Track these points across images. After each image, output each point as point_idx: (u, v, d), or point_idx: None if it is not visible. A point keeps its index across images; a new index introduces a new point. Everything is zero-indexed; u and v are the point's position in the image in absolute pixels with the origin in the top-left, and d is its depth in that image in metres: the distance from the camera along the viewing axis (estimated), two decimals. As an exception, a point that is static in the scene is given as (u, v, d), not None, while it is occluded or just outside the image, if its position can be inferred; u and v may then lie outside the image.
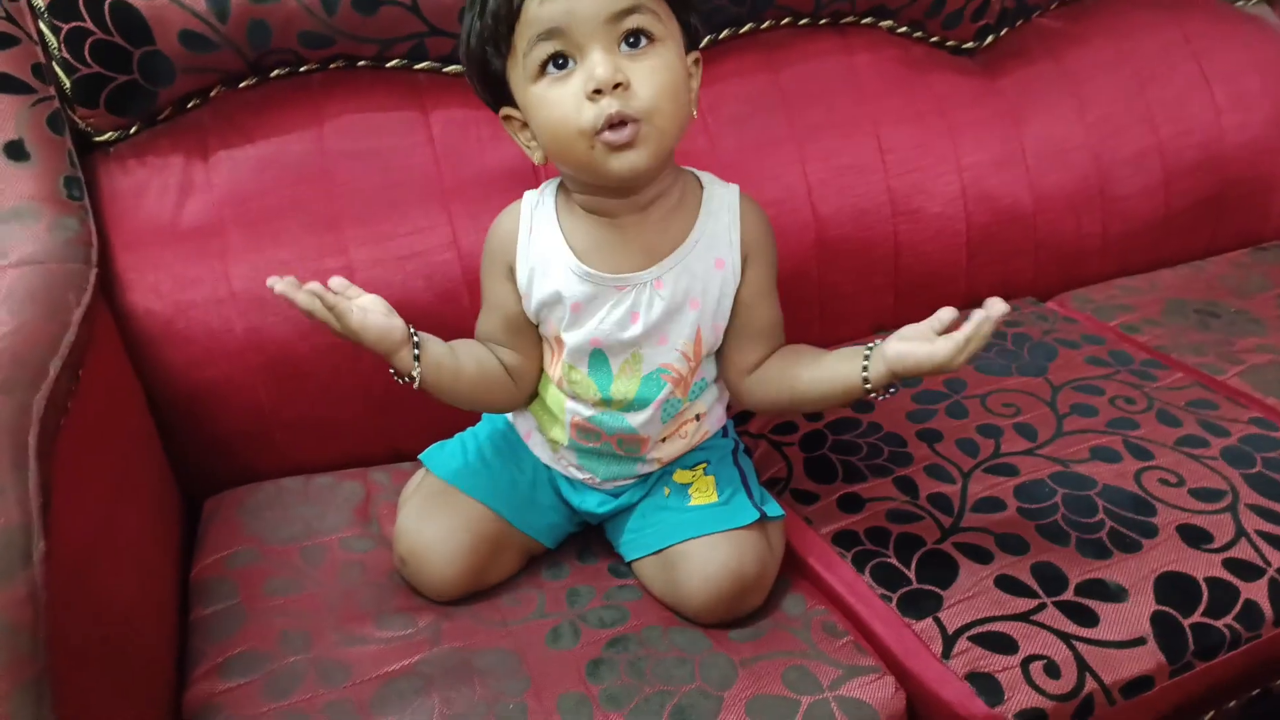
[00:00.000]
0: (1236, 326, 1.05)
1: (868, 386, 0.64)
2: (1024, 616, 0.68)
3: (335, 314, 0.60)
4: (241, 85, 0.86)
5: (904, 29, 1.10)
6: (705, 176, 0.70)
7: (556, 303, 0.67)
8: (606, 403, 0.69)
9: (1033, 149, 1.11)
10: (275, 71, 0.87)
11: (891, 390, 0.64)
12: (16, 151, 0.74)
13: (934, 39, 1.12)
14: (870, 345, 0.65)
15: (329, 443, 0.88)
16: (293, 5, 0.82)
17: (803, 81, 1.04)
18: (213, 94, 0.86)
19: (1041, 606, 0.69)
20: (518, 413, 0.77)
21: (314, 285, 0.60)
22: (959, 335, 0.59)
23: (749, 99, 1.02)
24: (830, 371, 0.66)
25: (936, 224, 1.07)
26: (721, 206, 0.68)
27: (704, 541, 0.68)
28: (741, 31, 1.03)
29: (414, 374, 0.66)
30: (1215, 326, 1.05)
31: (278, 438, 0.87)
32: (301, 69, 0.88)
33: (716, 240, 0.67)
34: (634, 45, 0.59)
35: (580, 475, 0.75)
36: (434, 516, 0.71)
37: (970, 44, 1.14)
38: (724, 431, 0.79)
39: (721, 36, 1.02)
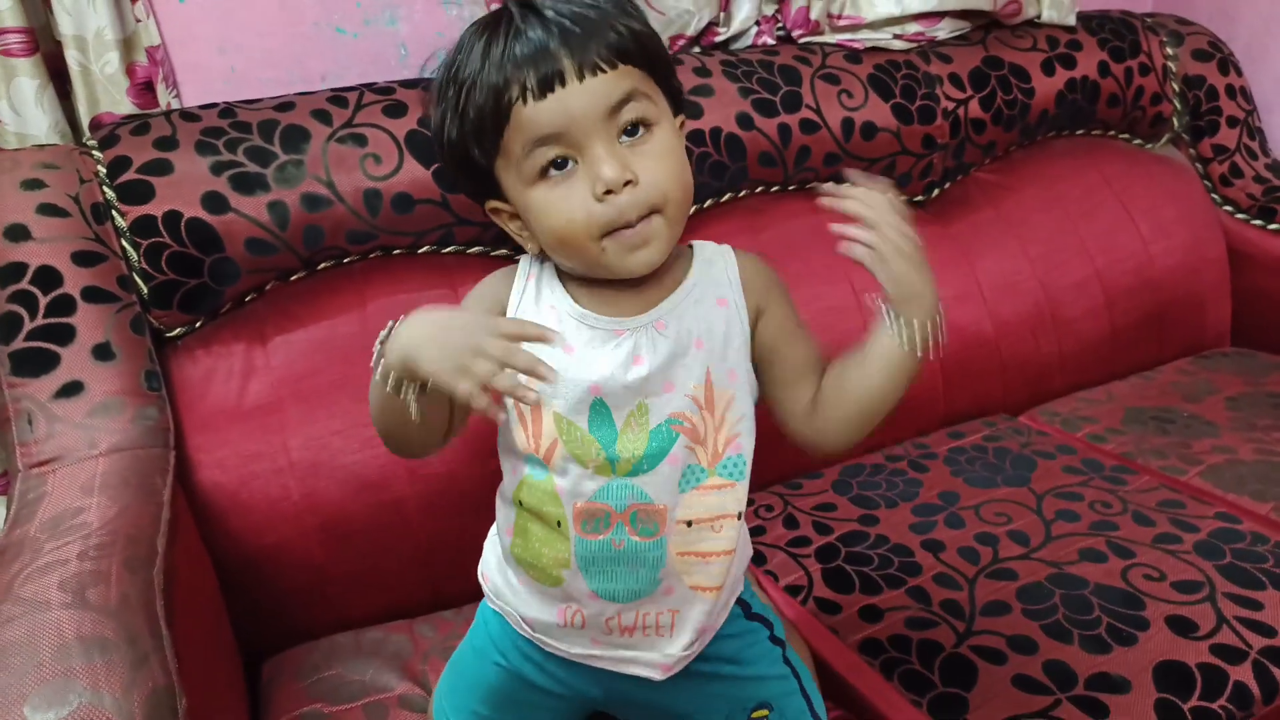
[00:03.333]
0: (1191, 430, 1.16)
1: (903, 345, 0.57)
2: (1043, 713, 0.74)
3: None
4: (293, 278, 0.98)
5: (863, 189, 1.26)
6: (695, 241, 0.67)
7: (547, 354, 0.58)
8: (612, 465, 0.60)
9: (987, 283, 1.26)
10: (322, 264, 0.99)
11: (929, 334, 0.57)
12: (104, 353, 0.83)
13: (889, 195, 1.28)
14: (882, 309, 0.59)
15: (377, 594, 0.94)
16: (342, 210, 0.95)
17: (780, 240, 1.18)
18: (268, 288, 0.97)
19: (1057, 703, 0.75)
20: (508, 605, 0.68)
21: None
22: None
23: (735, 257, 1.15)
24: (872, 354, 0.60)
25: (912, 355, 1.19)
26: (714, 256, 0.65)
27: None
28: (723, 200, 1.18)
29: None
30: (1172, 431, 1.16)
31: (330, 593, 0.92)
32: (345, 260, 1.00)
33: (714, 282, 0.63)
34: (633, 134, 0.56)
35: (588, 641, 0.65)
36: None
37: (920, 198, 1.31)
38: (747, 609, 0.70)
39: (706, 205, 1.17)
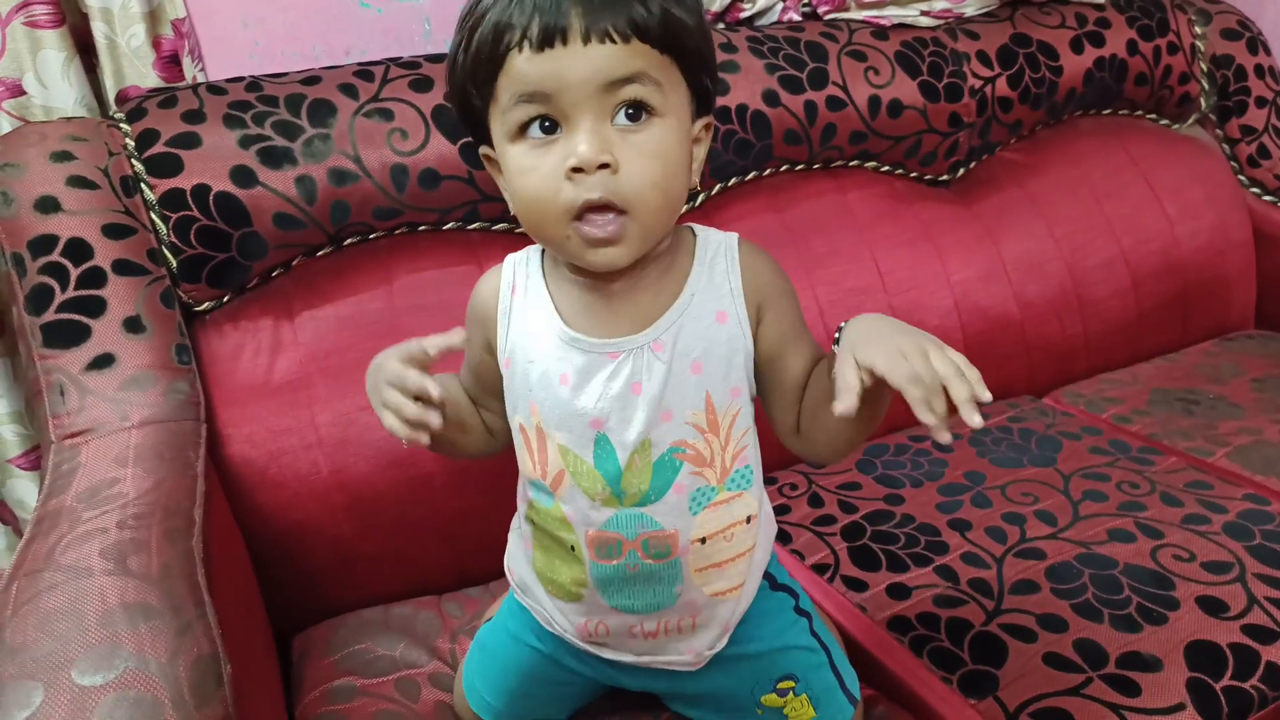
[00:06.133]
0: (1217, 411, 1.15)
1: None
2: (1075, 691, 0.74)
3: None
4: (319, 254, 0.97)
5: (887, 168, 1.25)
6: (699, 228, 0.62)
7: (545, 383, 0.59)
8: (619, 498, 0.59)
9: (1012, 263, 1.25)
10: (348, 240, 0.98)
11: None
12: (135, 326, 0.83)
13: (914, 175, 1.27)
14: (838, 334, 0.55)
15: (404, 571, 0.95)
16: (369, 186, 0.94)
17: (805, 218, 1.17)
18: (294, 263, 0.97)
19: (1089, 680, 0.75)
20: (536, 594, 0.68)
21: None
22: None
23: (758, 236, 1.12)
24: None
25: (936, 334, 1.17)
26: (717, 254, 0.59)
27: None
28: (747, 179, 1.17)
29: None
30: (1198, 413, 1.16)
31: (358, 570, 0.93)
32: (371, 236, 0.99)
33: (715, 290, 0.58)
34: (633, 118, 0.51)
35: (615, 646, 0.66)
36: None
37: (945, 177, 1.29)
38: (773, 580, 0.70)
39: (731, 184, 1.16)
